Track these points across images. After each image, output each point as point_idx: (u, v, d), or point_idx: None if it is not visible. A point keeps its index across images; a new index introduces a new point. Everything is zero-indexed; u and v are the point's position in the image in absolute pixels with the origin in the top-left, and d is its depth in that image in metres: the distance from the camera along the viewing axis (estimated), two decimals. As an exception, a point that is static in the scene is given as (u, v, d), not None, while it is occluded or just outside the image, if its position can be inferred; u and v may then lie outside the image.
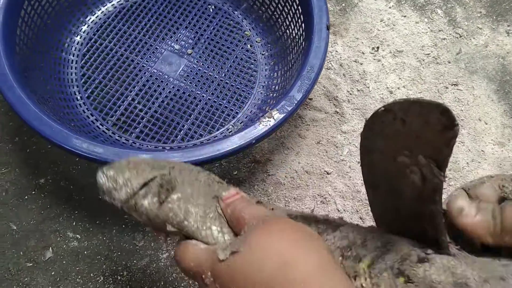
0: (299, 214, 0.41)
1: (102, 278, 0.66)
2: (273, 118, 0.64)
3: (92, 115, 0.74)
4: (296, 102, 0.65)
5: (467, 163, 0.75)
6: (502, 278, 0.31)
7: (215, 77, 0.79)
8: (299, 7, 0.75)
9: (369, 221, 0.69)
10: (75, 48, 0.80)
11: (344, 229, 0.38)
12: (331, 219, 0.40)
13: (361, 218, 0.70)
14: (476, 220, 0.33)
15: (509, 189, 0.35)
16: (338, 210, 0.71)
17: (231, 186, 0.41)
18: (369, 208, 0.38)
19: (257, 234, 0.33)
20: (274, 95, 0.77)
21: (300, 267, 0.30)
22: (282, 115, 0.64)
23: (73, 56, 0.79)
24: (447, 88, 0.81)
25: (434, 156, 0.31)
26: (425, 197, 0.33)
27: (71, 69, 0.78)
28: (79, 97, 0.76)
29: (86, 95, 0.76)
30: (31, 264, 0.66)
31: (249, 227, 0.35)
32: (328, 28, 0.70)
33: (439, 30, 0.87)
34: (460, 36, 0.87)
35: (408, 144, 0.32)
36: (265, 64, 0.82)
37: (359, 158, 0.36)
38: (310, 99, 0.79)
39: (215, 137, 0.74)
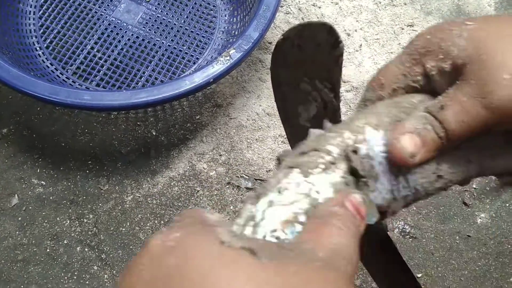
0: None
1: (68, 221, 0.67)
2: (231, 56, 0.65)
3: (52, 65, 0.74)
4: (253, 40, 0.66)
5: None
6: None
7: (175, 24, 0.79)
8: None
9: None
10: (32, -1, 0.79)
11: None
12: None
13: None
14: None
15: (417, 72, 0.29)
16: (298, 148, 0.73)
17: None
18: None
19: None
20: (234, 39, 0.77)
21: None
22: (240, 54, 0.65)
23: (31, 7, 0.78)
24: (402, 29, 0.83)
25: (328, 78, 0.33)
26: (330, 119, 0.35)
27: (29, 20, 0.77)
28: (38, 48, 0.76)
29: (45, 45, 0.76)
30: (-3, 211, 0.67)
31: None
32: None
33: (396, -27, 0.89)
34: (416, -21, 0.88)
35: (307, 70, 0.34)
36: (225, 9, 0.82)
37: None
38: (270, 43, 0.80)
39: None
